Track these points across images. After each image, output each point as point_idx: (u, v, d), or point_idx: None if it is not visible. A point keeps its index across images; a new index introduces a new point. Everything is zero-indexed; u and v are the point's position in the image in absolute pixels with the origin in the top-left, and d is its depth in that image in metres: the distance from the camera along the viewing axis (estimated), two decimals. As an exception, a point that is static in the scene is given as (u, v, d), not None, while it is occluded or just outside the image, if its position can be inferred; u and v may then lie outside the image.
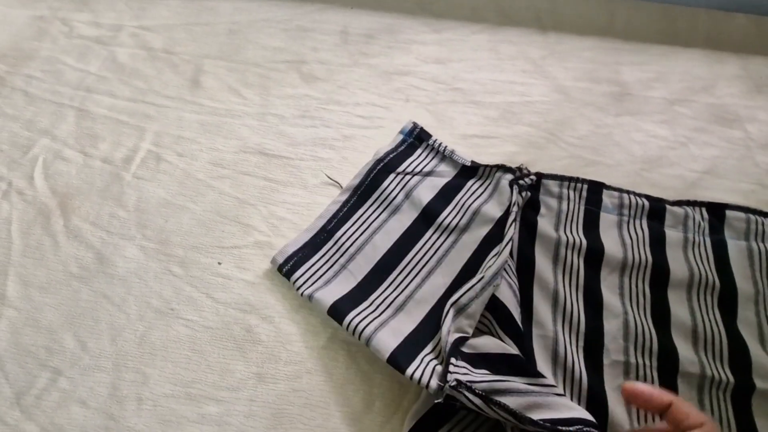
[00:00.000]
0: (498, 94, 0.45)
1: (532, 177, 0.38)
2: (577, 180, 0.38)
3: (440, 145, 0.40)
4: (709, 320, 0.32)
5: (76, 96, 0.45)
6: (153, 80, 0.46)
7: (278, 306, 0.34)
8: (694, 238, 0.36)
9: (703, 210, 0.37)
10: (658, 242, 0.36)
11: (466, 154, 0.40)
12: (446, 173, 0.39)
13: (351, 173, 0.40)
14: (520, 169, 0.38)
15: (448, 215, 0.36)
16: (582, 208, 0.37)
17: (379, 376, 0.31)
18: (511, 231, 0.34)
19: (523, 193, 0.37)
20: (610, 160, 0.41)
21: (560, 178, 0.38)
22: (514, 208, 0.35)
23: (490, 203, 0.37)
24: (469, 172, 0.39)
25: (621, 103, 0.44)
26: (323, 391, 0.31)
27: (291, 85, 0.46)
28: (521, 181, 0.37)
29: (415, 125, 0.41)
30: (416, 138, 0.41)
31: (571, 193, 0.38)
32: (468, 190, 0.38)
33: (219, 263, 0.36)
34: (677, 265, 0.34)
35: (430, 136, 0.41)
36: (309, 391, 0.31)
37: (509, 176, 0.38)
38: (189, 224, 0.37)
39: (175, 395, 0.31)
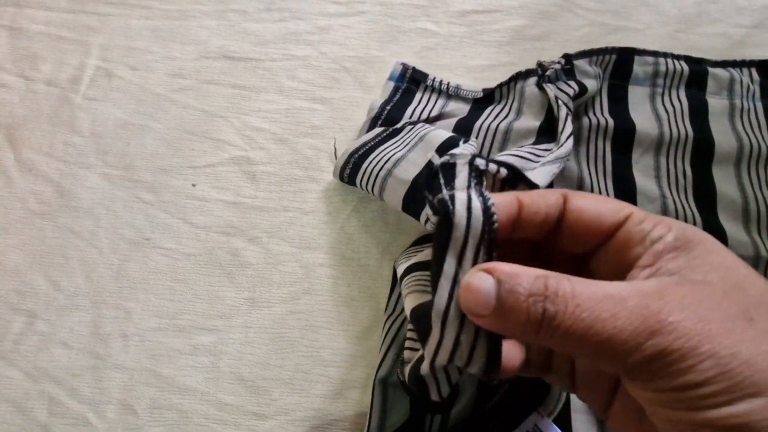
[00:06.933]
0: (501, -41, 0.37)
1: (560, 61, 0.31)
2: (605, 51, 0.31)
3: (441, 83, 0.32)
4: (763, 196, 0.28)
5: (4, 14, 0.38)
6: (91, -15, 0.39)
7: (265, 225, 0.30)
8: (742, 104, 0.30)
9: (753, 71, 0.31)
10: (699, 113, 0.30)
11: (474, 86, 0.32)
12: (457, 111, 0.32)
13: (332, 70, 0.34)
14: (540, 65, 0.31)
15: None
16: (605, 83, 0.31)
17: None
18: (569, 126, 0.27)
19: (563, 86, 0.29)
20: (637, 24, 0.34)
21: (589, 54, 0.31)
22: (560, 103, 0.28)
23: (522, 118, 0.30)
24: (484, 102, 0.32)
25: (651, -46, 0.37)
26: (325, 312, 0.28)
27: (252, -27, 0.38)
28: (549, 72, 0.30)
29: (405, 66, 0.33)
30: (410, 81, 0.33)
31: (598, 69, 0.31)
32: (488, 116, 0.31)
33: (193, 185, 0.31)
34: (723, 136, 0.29)
35: (426, 75, 0.33)
36: (309, 312, 0.28)
37: (532, 80, 0.31)
38: (153, 145, 0.33)
39: (162, 328, 0.28)
